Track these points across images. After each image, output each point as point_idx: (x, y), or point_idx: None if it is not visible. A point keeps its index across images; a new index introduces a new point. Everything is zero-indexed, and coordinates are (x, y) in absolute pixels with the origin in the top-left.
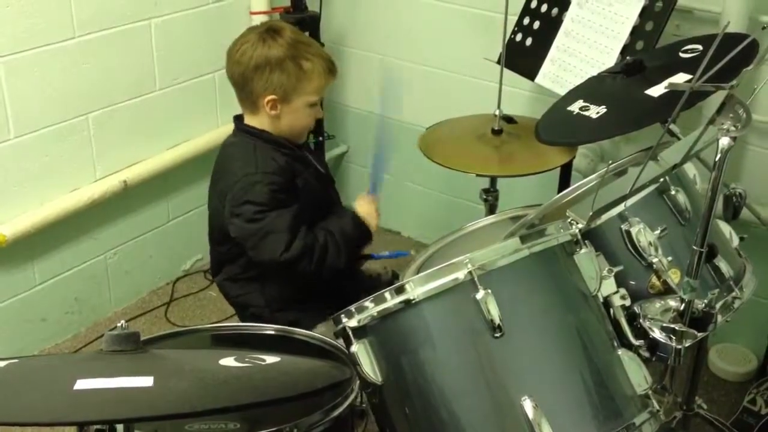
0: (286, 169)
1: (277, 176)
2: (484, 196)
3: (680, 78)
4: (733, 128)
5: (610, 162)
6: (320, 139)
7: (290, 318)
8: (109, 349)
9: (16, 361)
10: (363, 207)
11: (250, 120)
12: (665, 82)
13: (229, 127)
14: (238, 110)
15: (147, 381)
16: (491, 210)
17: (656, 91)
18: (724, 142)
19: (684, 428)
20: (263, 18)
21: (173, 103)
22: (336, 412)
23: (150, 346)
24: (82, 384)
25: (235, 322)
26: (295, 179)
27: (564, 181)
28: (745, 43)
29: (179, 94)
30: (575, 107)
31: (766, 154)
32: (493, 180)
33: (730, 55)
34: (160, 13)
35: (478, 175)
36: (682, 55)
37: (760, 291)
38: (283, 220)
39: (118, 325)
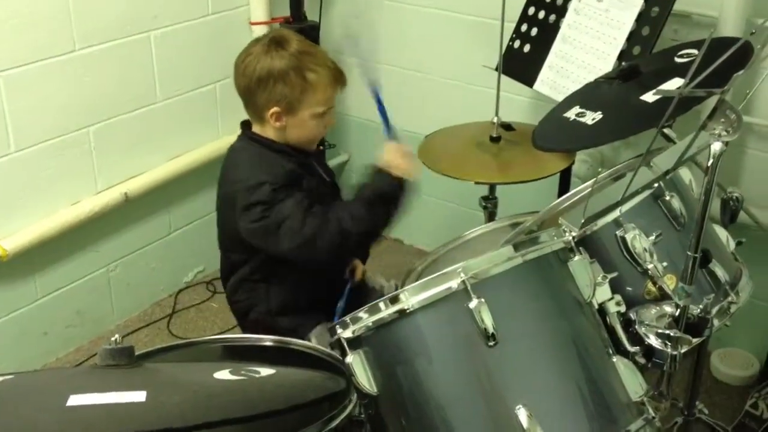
0: (292, 173)
1: (281, 178)
2: (484, 204)
3: (674, 83)
4: (725, 133)
5: (600, 170)
6: (321, 148)
7: (292, 324)
8: (104, 363)
9: (10, 376)
10: (383, 157)
11: (256, 128)
12: (658, 87)
13: (231, 138)
14: (241, 118)
15: (140, 396)
16: (491, 217)
17: (651, 96)
18: (716, 147)
19: None
20: (263, 28)
21: (174, 115)
22: (334, 423)
23: (146, 360)
24: (74, 400)
25: (236, 334)
26: (301, 181)
27: (563, 187)
28: (736, 46)
29: (180, 106)
30: (571, 113)
31: (765, 158)
32: (492, 187)
33: (719, 60)
34: (160, 25)
35: (476, 183)
36: (677, 59)
37: (762, 294)
38: (288, 205)
39: (112, 339)
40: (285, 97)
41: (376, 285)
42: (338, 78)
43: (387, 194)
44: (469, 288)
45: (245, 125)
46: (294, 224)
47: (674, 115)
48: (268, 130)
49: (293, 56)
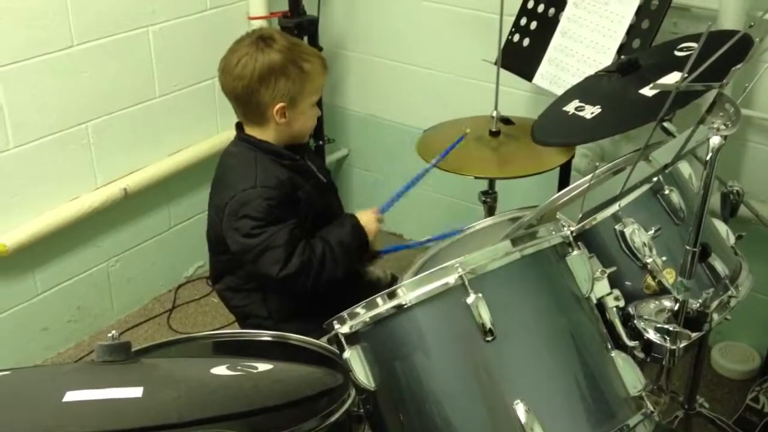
0: (286, 183)
1: (277, 191)
2: (483, 198)
3: (674, 77)
4: (723, 127)
5: (597, 164)
6: (320, 143)
7: (294, 329)
8: (101, 359)
9: (7, 372)
10: (366, 216)
11: (252, 131)
12: (656, 81)
13: (230, 133)
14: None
15: (136, 392)
16: (490, 212)
17: (650, 90)
18: (715, 140)
19: (686, 428)
20: (262, 22)
21: (173, 110)
22: (333, 418)
23: (145, 355)
24: (71, 396)
25: (235, 329)
26: (296, 192)
27: (563, 181)
28: (734, 39)
29: (179, 101)
30: (571, 107)
31: (765, 150)
32: (492, 182)
33: (717, 54)
34: (158, 20)
35: (476, 178)
36: (677, 53)
37: (762, 288)
38: (280, 236)
39: (109, 335)
40: (288, 91)
41: (373, 277)
42: (325, 65)
43: (360, 250)
44: (466, 283)
45: (239, 128)
46: (276, 260)
47: (673, 109)
48: (268, 131)
49: (286, 49)
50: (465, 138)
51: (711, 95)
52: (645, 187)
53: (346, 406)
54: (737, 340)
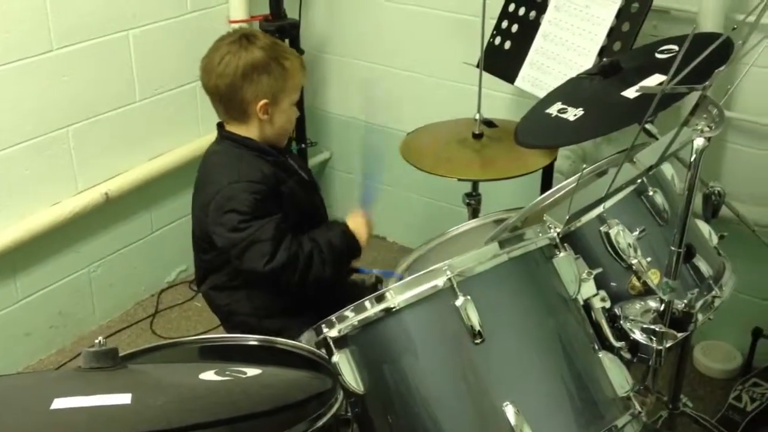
0: (271, 178)
1: (261, 185)
2: (467, 200)
3: (655, 79)
4: (707, 129)
5: (584, 166)
6: (303, 145)
7: (278, 326)
8: (88, 366)
9: None
10: (354, 221)
11: (234, 128)
12: (639, 84)
13: (211, 137)
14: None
15: (125, 398)
16: (474, 214)
17: (632, 92)
18: (699, 142)
19: (670, 427)
20: (243, 26)
21: (154, 114)
22: (320, 422)
23: (131, 361)
24: (59, 403)
25: (220, 333)
26: (280, 187)
27: (546, 183)
28: (717, 42)
29: (160, 105)
30: (553, 110)
31: (745, 152)
32: (475, 184)
33: (700, 57)
34: (138, 23)
35: (459, 180)
36: (658, 55)
37: (744, 288)
38: (267, 229)
39: (96, 341)
40: (271, 88)
41: (357, 279)
42: (303, 64)
43: (349, 256)
44: (455, 286)
45: (221, 126)
46: (262, 254)
47: (656, 111)
48: (251, 128)
49: (268, 47)
50: None
51: (691, 98)
52: (629, 189)
53: (334, 409)
54: (719, 340)
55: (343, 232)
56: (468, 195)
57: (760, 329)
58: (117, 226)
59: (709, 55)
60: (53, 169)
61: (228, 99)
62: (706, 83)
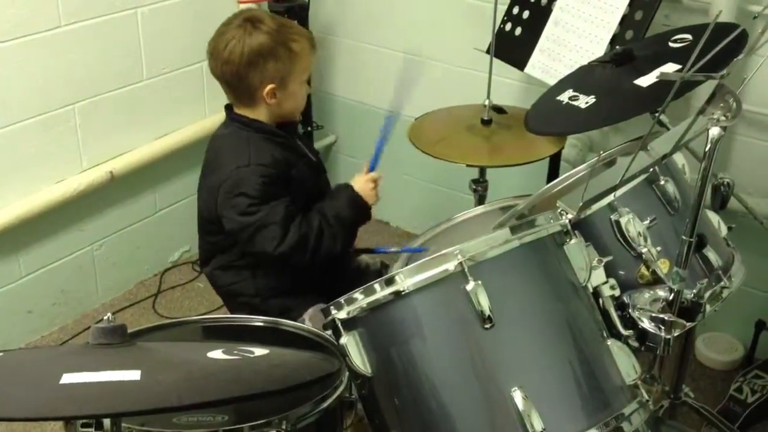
0: (281, 162)
1: (271, 168)
2: (474, 187)
3: (670, 68)
4: (723, 118)
5: (601, 152)
6: (309, 128)
7: (281, 306)
8: (96, 342)
9: (0, 354)
10: (359, 183)
11: (243, 111)
12: (655, 72)
13: (218, 117)
14: (227, 100)
15: (134, 374)
16: (480, 200)
17: (645, 81)
18: (714, 132)
19: (671, 417)
20: (251, 6)
21: (160, 93)
22: (325, 404)
23: (137, 338)
24: (68, 378)
25: (224, 314)
26: (290, 171)
27: (553, 172)
28: (736, 32)
29: (166, 84)
30: (564, 97)
31: (754, 144)
32: (483, 170)
33: (721, 45)
34: (147, 2)
35: (467, 166)
36: (671, 44)
37: (747, 280)
38: (276, 212)
39: (105, 318)
40: (278, 73)
41: (361, 263)
42: (313, 43)
43: (358, 221)
44: (466, 270)
45: (229, 109)
46: (272, 238)
47: (673, 99)
48: (259, 111)
49: (275, 31)
50: None
51: (702, 89)
52: (641, 178)
53: (339, 391)
54: (721, 331)
55: (349, 198)
56: (475, 181)
57: (763, 321)
58: (121, 205)
59: (723, 45)
60: (58, 147)
61: (235, 85)
62: (724, 72)
